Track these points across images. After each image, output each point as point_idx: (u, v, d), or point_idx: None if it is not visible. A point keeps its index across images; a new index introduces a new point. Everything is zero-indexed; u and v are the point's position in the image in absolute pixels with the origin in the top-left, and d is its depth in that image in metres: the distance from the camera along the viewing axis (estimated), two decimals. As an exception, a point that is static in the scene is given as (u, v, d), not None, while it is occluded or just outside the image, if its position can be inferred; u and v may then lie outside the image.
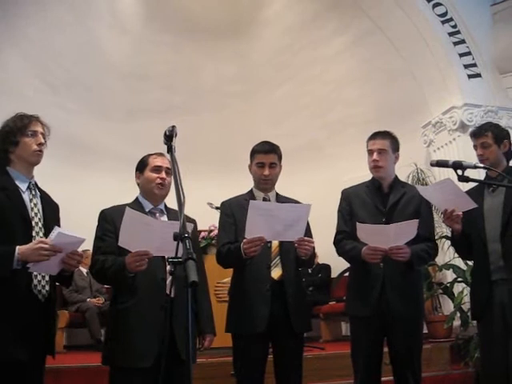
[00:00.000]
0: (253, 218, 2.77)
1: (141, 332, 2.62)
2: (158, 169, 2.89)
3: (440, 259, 6.12)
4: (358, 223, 3.01)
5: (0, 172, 2.58)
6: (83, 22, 7.04)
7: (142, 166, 2.95)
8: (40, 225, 2.55)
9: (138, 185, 2.98)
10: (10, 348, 2.32)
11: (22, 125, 2.56)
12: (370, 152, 3.26)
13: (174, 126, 2.18)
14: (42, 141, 2.60)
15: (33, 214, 2.53)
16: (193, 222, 2.80)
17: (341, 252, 3.28)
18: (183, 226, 1.86)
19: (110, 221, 2.81)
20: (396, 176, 3.34)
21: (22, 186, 2.56)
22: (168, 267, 2.70)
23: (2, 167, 2.59)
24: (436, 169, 6.09)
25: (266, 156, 3.15)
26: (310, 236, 3.05)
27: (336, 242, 3.30)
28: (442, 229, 6.20)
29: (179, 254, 1.84)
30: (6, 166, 2.58)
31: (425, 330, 5.62)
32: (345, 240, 3.23)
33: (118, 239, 2.61)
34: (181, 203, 1.93)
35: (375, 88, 7.32)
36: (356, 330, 3.24)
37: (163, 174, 2.89)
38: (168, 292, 2.67)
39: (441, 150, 6.51)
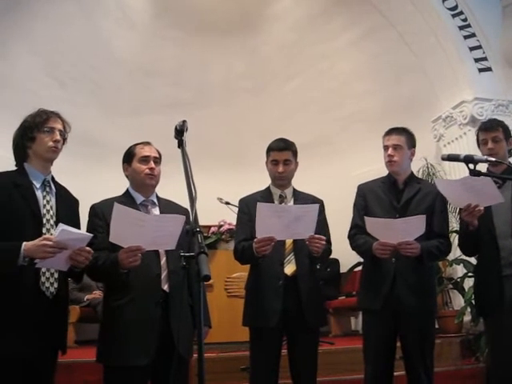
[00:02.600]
0: (262, 219, 2.79)
1: (136, 329, 2.58)
2: (145, 159, 2.84)
3: (450, 254, 6.10)
4: (365, 217, 3.03)
5: (17, 168, 2.61)
6: (91, 17, 7.04)
7: (128, 157, 2.89)
8: (52, 222, 2.55)
9: (127, 177, 2.94)
10: (16, 344, 2.33)
11: (39, 121, 2.56)
12: (386, 148, 3.26)
13: (184, 121, 2.18)
14: (58, 138, 2.59)
15: (45, 211, 2.54)
16: (184, 213, 2.70)
17: (353, 246, 3.31)
18: (195, 220, 1.86)
19: (100, 216, 2.77)
20: (412, 172, 3.34)
21: (37, 183, 2.57)
22: (162, 262, 2.70)
23: (19, 163, 2.62)
24: (446, 163, 6.08)
25: (279, 153, 3.17)
26: (327, 233, 3.06)
27: (350, 237, 3.33)
28: (452, 224, 6.19)
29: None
30: (24, 161, 2.60)
31: (435, 325, 5.63)
32: (358, 235, 3.25)
33: (109, 234, 2.57)
34: (192, 198, 1.93)
35: (385, 83, 7.28)
36: (368, 323, 3.26)
37: (152, 164, 2.83)
38: (163, 287, 2.67)
39: (451, 145, 6.47)
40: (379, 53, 7.19)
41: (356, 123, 7.64)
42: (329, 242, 3.12)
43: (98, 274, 2.73)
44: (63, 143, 2.67)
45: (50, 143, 2.57)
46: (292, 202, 3.20)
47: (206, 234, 5.42)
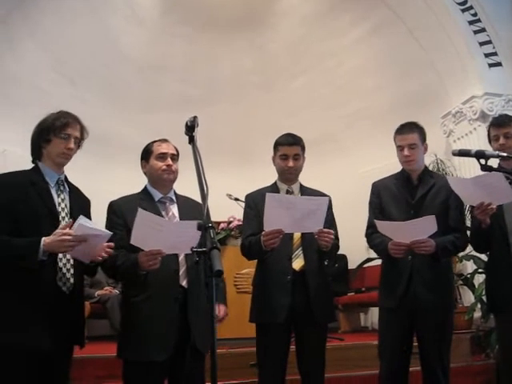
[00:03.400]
0: (270, 211, 2.77)
1: (155, 325, 2.62)
2: (163, 156, 2.87)
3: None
4: (375, 220, 3.02)
5: (32, 167, 2.66)
6: (99, 13, 7.04)
7: (146, 154, 2.93)
8: (67, 219, 2.57)
9: (145, 174, 2.97)
10: (34, 338, 2.36)
11: (58, 125, 2.58)
12: (401, 148, 3.23)
13: (195, 117, 2.18)
14: (72, 146, 2.62)
15: (59, 209, 2.58)
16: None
17: (371, 245, 3.32)
18: (207, 216, 1.86)
19: (118, 213, 2.81)
20: (425, 166, 3.33)
21: (51, 181, 2.61)
22: (181, 258, 2.72)
23: (34, 161, 2.66)
24: (456, 159, 6.06)
25: (289, 148, 3.17)
26: (335, 228, 3.06)
27: (367, 236, 3.33)
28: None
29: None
30: (39, 159, 2.65)
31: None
32: (374, 233, 3.23)
33: (127, 232, 2.64)
34: (204, 193, 1.94)
35: (393, 78, 7.25)
36: (384, 320, 3.25)
37: (169, 161, 2.87)
38: (182, 283, 2.70)
39: (461, 140, 6.44)
40: (387, 48, 7.15)
41: (363, 120, 7.62)
42: (336, 237, 3.11)
43: (116, 273, 2.78)
44: (78, 148, 2.70)
45: (63, 150, 2.60)
46: None
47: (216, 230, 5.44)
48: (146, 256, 2.53)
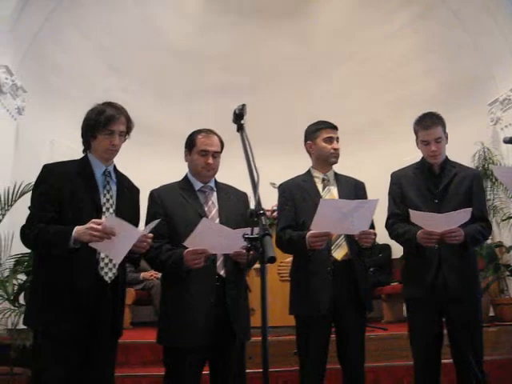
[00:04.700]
0: (322, 214, 2.74)
1: (193, 312, 2.66)
2: (204, 154, 2.87)
3: (508, 240, 5.95)
4: (410, 210, 2.96)
5: (81, 157, 2.71)
6: (143, 3, 7.13)
7: (190, 144, 2.94)
8: (111, 210, 2.61)
9: (187, 162, 2.99)
10: (73, 324, 2.42)
11: (102, 121, 2.59)
12: (426, 143, 3.18)
13: (244, 105, 2.14)
14: (117, 142, 2.64)
15: (104, 200, 2.61)
16: (243, 196, 2.94)
17: (394, 235, 3.26)
18: (258, 203, 1.87)
19: (159, 202, 2.84)
20: (446, 156, 3.27)
21: (98, 172, 2.65)
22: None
23: (85, 151, 2.71)
24: (504, 147, 5.92)
25: (333, 131, 3.19)
26: (373, 226, 3.03)
27: (388, 226, 3.29)
28: (509, 209, 6.02)
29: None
30: (88, 151, 2.69)
31: (491, 313, 5.51)
32: (397, 223, 3.21)
33: (168, 221, 2.71)
34: (254, 181, 1.94)
35: (438, 65, 7.10)
36: (413, 312, 3.21)
37: (210, 159, 2.87)
38: (220, 272, 2.73)
39: (509, 128, 6.28)
40: (432, 34, 7.01)
41: (407, 107, 7.46)
42: (372, 226, 3.05)
43: (159, 267, 2.84)
44: (125, 139, 2.72)
45: (108, 146, 2.63)
46: (335, 185, 3.19)
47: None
48: (191, 254, 2.57)
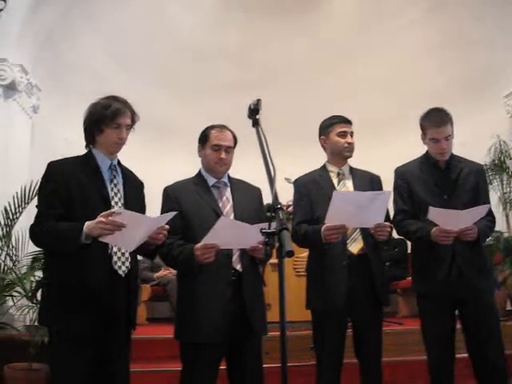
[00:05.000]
0: (335, 207, 2.74)
1: (209, 308, 2.66)
2: (217, 149, 2.87)
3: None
4: (430, 207, 2.91)
5: (85, 153, 2.69)
6: (156, 0, 7.14)
7: (203, 139, 2.94)
8: (120, 204, 2.61)
9: (201, 157, 2.99)
10: (87, 320, 2.42)
11: (109, 115, 2.58)
12: (435, 140, 3.14)
13: (259, 100, 2.14)
14: (124, 135, 2.64)
15: (112, 194, 2.60)
16: (257, 192, 2.95)
17: (403, 232, 3.21)
18: (275, 198, 1.87)
19: (173, 198, 2.85)
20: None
21: (104, 167, 2.64)
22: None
23: (88, 146, 2.70)
24: (521, 140, 5.86)
25: (347, 125, 3.19)
26: (389, 219, 3.02)
27: (397, 223, 3.21)
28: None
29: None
30: (92, 145, 2.68)
31: (509, 307, 5.47)
32: (406, 220, 3.17)
33: (183, 217, 2.72)
34: (271, 176, 1.94)
35: (453, 57, 7.04)
36: (426, 308, 3.19)
37: (223, 154, 2.87)
38: (236, 267, 2.73)
39: (525, 121, 6.23)
40: (446, 26, 6.96)
41: (421, 102, 7.41)
42: (388, 219, 3.07)
43: (172, 263, 2.87)
44: (129, 133, 2.71)
45: (116, 140, 2.62)
46: (350, 180, 3.19)
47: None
48: (201, 250, 2.56)
